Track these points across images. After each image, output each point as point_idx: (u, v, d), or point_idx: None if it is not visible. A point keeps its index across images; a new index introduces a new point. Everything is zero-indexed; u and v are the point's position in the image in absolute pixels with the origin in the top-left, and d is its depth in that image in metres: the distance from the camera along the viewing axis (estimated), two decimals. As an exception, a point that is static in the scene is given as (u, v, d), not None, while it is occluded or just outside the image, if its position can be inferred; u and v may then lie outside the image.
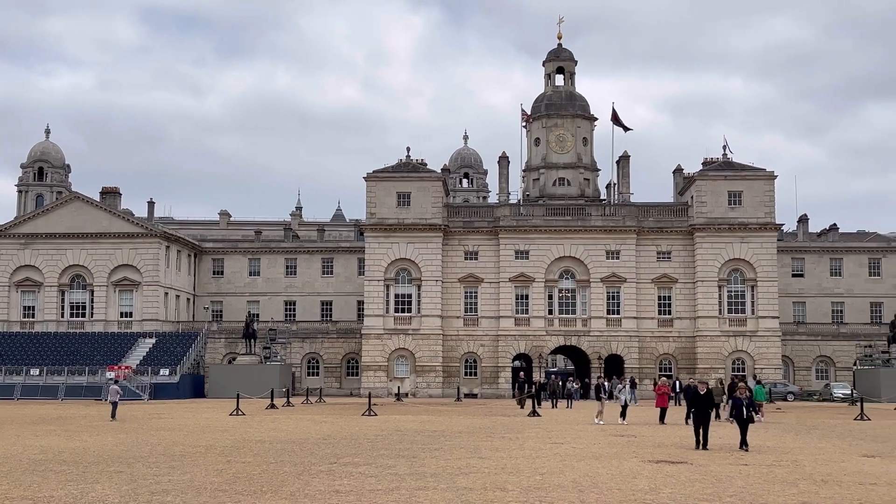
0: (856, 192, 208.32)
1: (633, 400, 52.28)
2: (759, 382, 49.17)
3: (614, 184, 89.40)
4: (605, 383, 56.53)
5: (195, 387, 75.88)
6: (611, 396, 57.14)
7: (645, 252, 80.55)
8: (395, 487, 17.64)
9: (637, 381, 70.92)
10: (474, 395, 77.79)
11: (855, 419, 43.91)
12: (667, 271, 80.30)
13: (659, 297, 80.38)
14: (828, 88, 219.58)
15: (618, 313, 79.92)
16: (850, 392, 69.27)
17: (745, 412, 26.50)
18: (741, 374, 75.76)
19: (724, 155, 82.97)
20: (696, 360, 78.67)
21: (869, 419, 43.65)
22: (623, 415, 40.32)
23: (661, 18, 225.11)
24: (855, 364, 78.79)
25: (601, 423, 38.94)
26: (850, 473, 20.57)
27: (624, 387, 44.37)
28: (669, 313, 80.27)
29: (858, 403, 49.44)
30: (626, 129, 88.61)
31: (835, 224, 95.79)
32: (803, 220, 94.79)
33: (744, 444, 26.40)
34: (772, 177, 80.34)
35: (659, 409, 40.38)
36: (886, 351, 74.76)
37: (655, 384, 42.71)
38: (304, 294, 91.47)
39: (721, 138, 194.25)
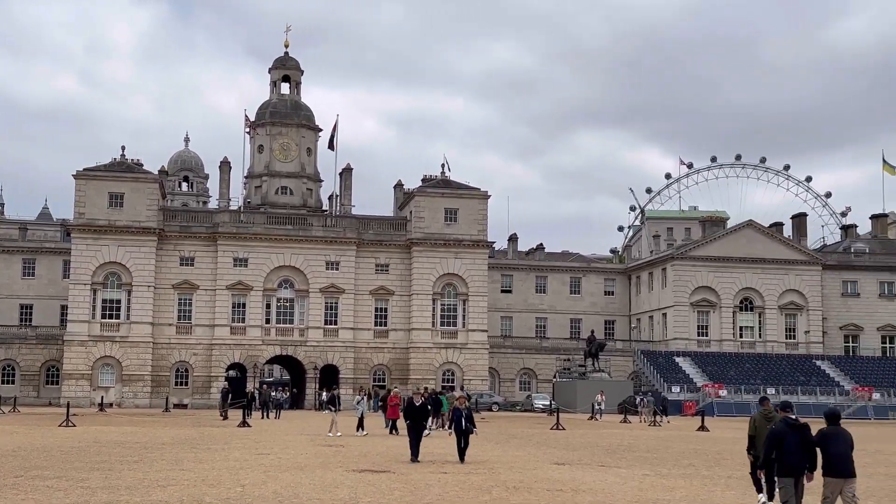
0: (563, 214, 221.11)
1: (371, 410, 51.92)
2: (440, 393, 47.07)
3: (337, 195, 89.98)
4: (338, 393, 55.30)
5: None
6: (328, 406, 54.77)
7: (364, 264, 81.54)
8: (85, 501, 16.72)
9: (373, 392, 70.88)
10: (185, 406, 75.41)
11: (552, 428, 46.51)
12: (384, 283, 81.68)
13: (376, 309, 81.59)
14: (544, 114, 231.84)
15: (335, 324, 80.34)
16: (549, 403, 73.38)
17: (463, 424, 25.77)
18: (451, 384, 78.30)
19: (443, 173, 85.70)
20: (409, 370, 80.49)
21: (564, 429, 46.38)
22: (360, 426, 39.51)
23: (391, 34, 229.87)
24: (555, 376, 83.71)
25: (338, 435, 37.39)
26: (541, 480, 21.67)
27: (362, 398, 43.01)
28: (386, 325, 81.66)
29: (556, 413, 52.53)
30: (331, 146, 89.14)
31: (541, 244, 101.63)
32: (513, 238, 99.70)
33: (462, 455, 25.80)
34: (485, 196, 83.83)
35: (390, 420, 39.57)
36: (583, 364, 79.95)
37: (389, 394, 42.41)
38: (0, 297, 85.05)
39: (441, 156, 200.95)
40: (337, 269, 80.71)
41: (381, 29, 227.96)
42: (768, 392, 78.86)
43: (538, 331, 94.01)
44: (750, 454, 17.22)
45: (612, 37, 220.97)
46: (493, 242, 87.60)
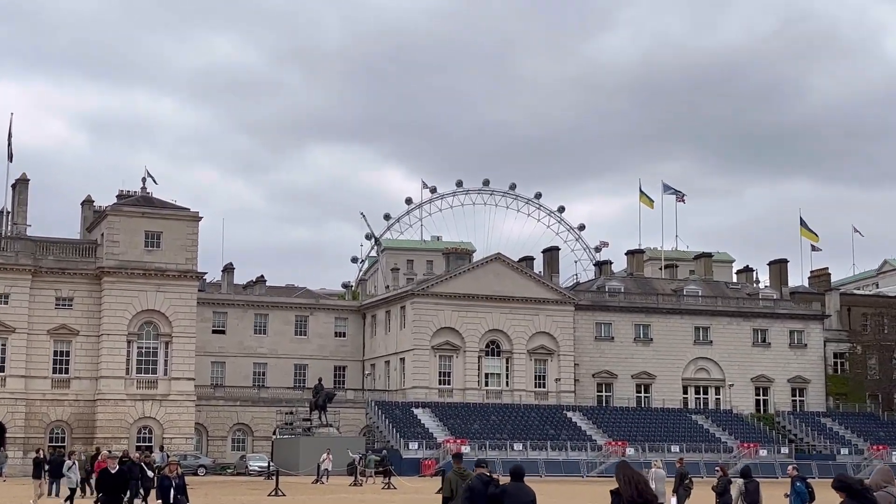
0: (290, 242, 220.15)
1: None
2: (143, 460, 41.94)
3: (8, 212, 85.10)
4: (45, 455, 50.61)
5: None
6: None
7: (41, 297, 77.54)
8: None
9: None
10: None
11: (270, 495, 45.85)
12: (67, 321, 78.09)
13: (56, 353, 77.83)
14: (271, 123, 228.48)
15: (2, 371, 75.80)
16: (267, 464, 72.34)
17: (172, 496, 23.47)
18: (148, 444, 75.69)
19: (144, 188, 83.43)
20: (95, 428, 77.09)
21: (284, 495, 45.86)
22: (70, 499, 37.30)
23: (84, 17, 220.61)
24: (274, 433, 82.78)
25: None
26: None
27: (73, 464, 39.85)
28: (67, 372, 78.02)
29: (275, 477, 51.84)
30: (10, 156, 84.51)
31: (262, 276, 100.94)
32: (229, 269, 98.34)
33: None
34: (196, 218, 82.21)
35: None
36: (308, 418, 79.59)
37: (96, 459, 39.55)
38: None
39: (143, 169, 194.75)
40: (6, 302, 76.30)
41: (72, 9, 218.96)
42: (515, 447, 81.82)
43: (256, 379, 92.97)
44: None
45: (351, 37, 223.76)
46: (205, 273, 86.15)
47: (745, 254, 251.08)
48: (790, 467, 27.31)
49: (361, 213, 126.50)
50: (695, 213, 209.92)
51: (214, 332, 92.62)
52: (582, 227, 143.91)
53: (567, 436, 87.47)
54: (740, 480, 25.78)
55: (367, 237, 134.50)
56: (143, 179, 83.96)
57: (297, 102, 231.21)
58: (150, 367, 79.85)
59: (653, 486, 33.77)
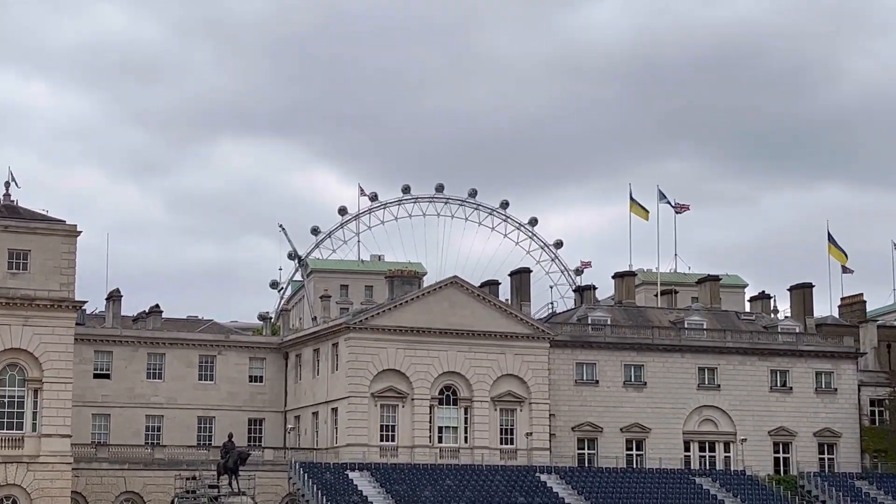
0: (194, 262, 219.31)
1: None
2: None
3: None
4: None
5: None
6: None
7: None
8: None
9: None
10: None
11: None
12: None
13: None
14: (170, 111, 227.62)
15: None
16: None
17: None
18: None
19: (8, 195, 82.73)
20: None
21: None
22: None
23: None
24: (173, 503, 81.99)
25: None
26: None
27: None
28: None
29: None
30: None
31: (157, 305, 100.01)
32: (115, 297, 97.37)
33: None
34: (74, 232, 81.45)
35: None
36: (215, 485, 78.83)
37: None
38: None
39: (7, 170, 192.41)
40: None
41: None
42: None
43: (150, 435, 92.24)
44: None
45: (275, 6, 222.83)
46: (85, 303, 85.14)
47: (760, 277, 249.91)
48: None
49: (280, 226, 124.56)
50: (699, 226, 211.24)
51: (97, 376, 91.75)
52: (559, 245, 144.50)
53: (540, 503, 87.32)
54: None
55: (290, 256, 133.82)
56: (7, 184, 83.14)
57: (206, 88, 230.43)
58: (15, 420, 78.93)
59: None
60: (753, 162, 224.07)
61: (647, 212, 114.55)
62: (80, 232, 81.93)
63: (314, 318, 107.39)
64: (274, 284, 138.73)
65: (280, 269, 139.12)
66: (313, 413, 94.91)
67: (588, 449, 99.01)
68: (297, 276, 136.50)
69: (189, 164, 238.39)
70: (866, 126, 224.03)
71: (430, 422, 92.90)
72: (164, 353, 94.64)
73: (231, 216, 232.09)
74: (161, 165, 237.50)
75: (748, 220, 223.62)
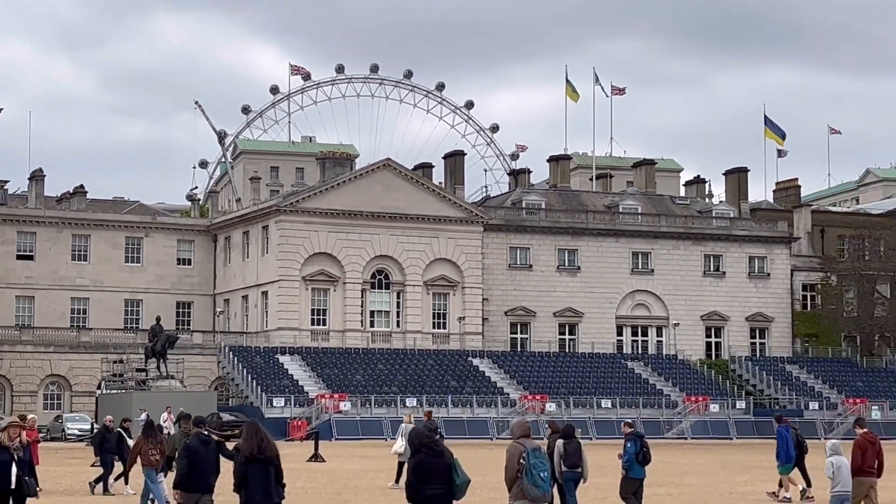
0: (121, 141, 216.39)
1: None
2: None
3: None
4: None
5: None
6: None
7: None
8: None
9: None
10: None
11: (94, 465, 45.23)
12: None
13: None
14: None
15: None
16: (90, 427, 71.71)
17: (13, 479, 20.51)
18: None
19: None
20: None
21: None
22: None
23: None
24: (99, 387, 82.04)
25: None
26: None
27: None
28: None
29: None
30: None
31: (82, 186, 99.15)
32: (38, 176, 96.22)
33: None
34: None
35: None
36: (143, 368, 78.80)
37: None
38: None
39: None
40: None
41: None
42: (408, 403, 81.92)
43: (75, 318, 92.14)
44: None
45: None
46: (6, 182, 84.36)
47: (697, 161, 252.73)
48: (624, 423, 27.41)
49: (196, 103, 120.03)
50: (639, 109, 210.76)
51: (20, 257, 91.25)
52: (495, 129, 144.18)
53: (473, 389, 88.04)
54: (560, 441, 25.51)
55: (220, 136, 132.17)
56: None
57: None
58: (-64, 303, 78.46)
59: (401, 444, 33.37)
60: (703, 42, 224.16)
61: (578, 95, 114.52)
62: (2, 109, 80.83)
63: (238, 200, 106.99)
64: (203, 164, 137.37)
65: (216, 151, 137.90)
66: (243, 297, 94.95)
67: (521, 333, 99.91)
68: (228, 158, 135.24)
69: (122, 37, 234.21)
70: (814, 6, 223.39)
71: (362, 306, 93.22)
72: (90, 235, 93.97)
73: (165, 93, 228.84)
74: (92, 38, 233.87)
75: (691, 103, 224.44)
